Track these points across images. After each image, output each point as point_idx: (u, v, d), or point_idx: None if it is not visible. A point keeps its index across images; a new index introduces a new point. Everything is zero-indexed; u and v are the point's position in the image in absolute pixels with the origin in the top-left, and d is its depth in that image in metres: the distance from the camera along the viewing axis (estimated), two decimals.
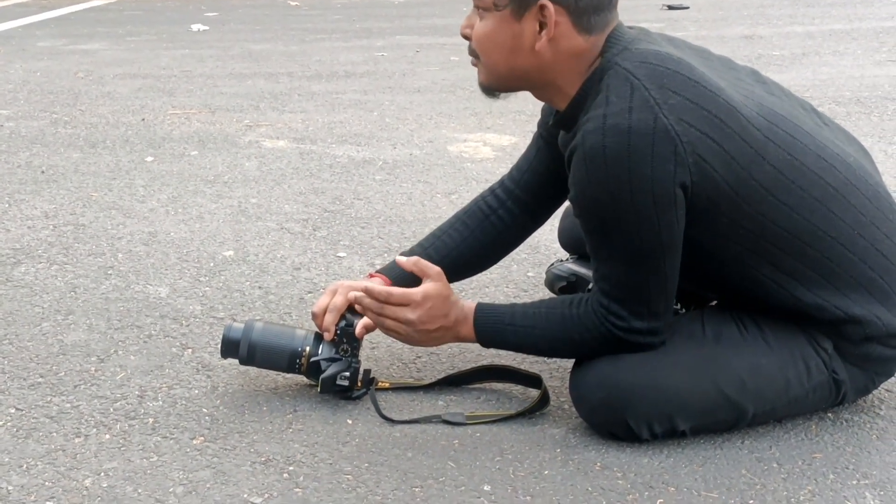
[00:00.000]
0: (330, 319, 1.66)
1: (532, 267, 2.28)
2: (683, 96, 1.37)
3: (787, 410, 1.55)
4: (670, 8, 7.22)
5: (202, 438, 1.57)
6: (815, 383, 1.52)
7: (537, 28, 1.45)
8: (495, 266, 2.25)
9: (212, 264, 2.32)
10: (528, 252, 2.31)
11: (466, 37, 1.54)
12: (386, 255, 2.36)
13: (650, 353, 1.49)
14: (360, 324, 1.65)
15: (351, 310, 1.69)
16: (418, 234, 2.47)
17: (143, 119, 3.83)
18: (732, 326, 1.52)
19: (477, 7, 1.50)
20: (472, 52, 1.54)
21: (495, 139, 3.43)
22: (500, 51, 1.49)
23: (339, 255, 2.38)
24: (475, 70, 1.56)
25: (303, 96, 4.23)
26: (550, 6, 1.43)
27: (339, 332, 1.66)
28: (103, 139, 3.52)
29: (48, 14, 7.55)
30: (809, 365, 1.51)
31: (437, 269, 1.61)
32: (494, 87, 1.56)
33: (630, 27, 1.52)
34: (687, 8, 7.20)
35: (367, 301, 1.61)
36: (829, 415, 1.61)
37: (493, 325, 1.57)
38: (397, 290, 1.61)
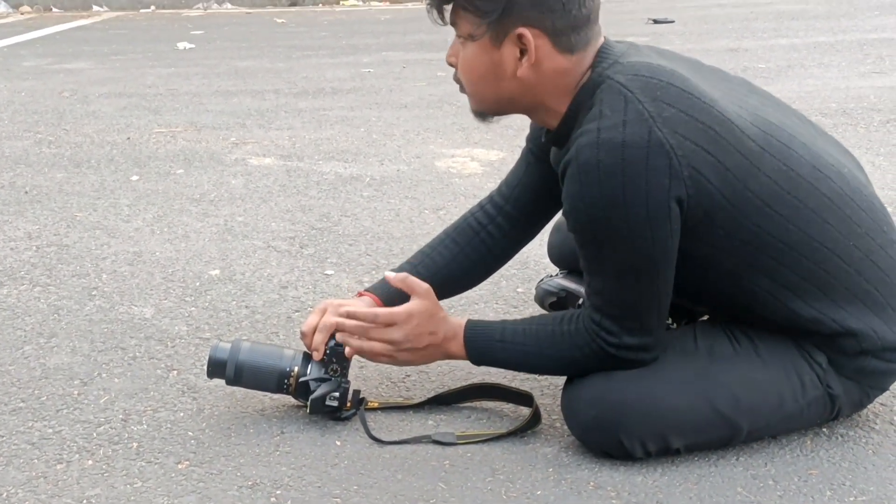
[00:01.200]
0: (319, 339, 1.63)
1: (521, 283, 2.26)
2: (677, 108, 1.36)
3: (782, 426, 1.53)
4: (655, 22, 7.24)
5: (187, 462, 1.54)
6: (809, 398, 1.50)
7: (518, 54, 1.44)
8: (484, 282, 2.23)
9: (197, 284, 2.29)
10: (517, 268, 2.29)
11: (452, 65, 1.52)
12: (374, 272, 2.33)
13: (642, 370, 1.46)
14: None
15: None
16: (406, 250, 2.44)
17: (129, 138, 3.80)
18: (725, 341, 1.50)
19: (458, 36, 1.48)
20: (458, 81, 1.53)
21: (483, 154, 3.41)
22: (483, 79, 1.48)
23: (326, 272, 2.35)
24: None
25: (289, 113, 4.21)
26: (527, 32, 1.41)
27: (328, 351, 1.63)
28: (88, 158, 3.49)
29: (33, 34, 7.52)
30: (804, 380, 1.49)
31: (425, 286, 1.59)
32: (485, 112, 1.55)
33: (618, 41, 1.51)
34: (672, 22, 7.22)
35: (351, 324, 1.59)
36: (824, 430, 1.59)
37: (483, 343, 1.55)
38: (382, 311, 1.58)
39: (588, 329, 1.46)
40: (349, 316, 1.59)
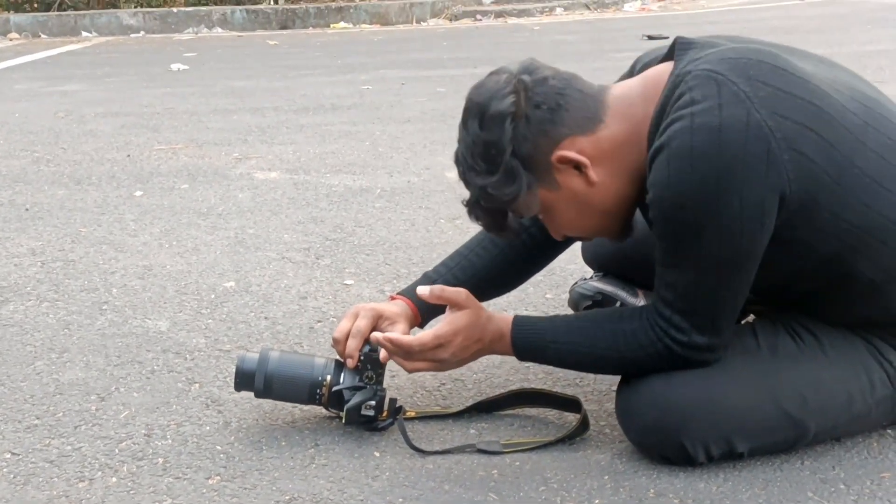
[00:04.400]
0: (353, 345, 1.55)
1: (550, 289, 2.18)
2: (774, 86, 1.28)
3: (849, 428, 1.46)
4: (650, 38, 7.23)
5: (218, 478, 1.45)
6: (878, 398, 1.42)
7: (576, 172, 1.36)
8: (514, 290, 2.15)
9: (213, 296, 2.20)
10: (543, 274, 2.18)
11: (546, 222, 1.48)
12: (395, 281, 2.25)
13: (705, 370, 1.38)
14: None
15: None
16: (426, 259, 2.36)
17: (129, 155, 3.71)
18: (787, 338, 1.42)
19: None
20: (569, 237, 1.53)
21: None
22: (583, 218, 1.42)
23: (346, 282, 2.27)
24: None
25: (291, 129, 4.13)
26: (560, 154, 1.34)
27: (362, 357, 1.55)
28: (88, 176, 3.40)
29: (23, 59, 7.43)
30: (872, 378, 1.41)
31: (463, 293, 1.50)
32: (624, 231, 1.47)
33: (686, 40, 1.40)
34: (667, 38, 7.21)
35: (392, 348, 1.50)
36: (889, 431, 1.51)
37: (533, 343, 1.47)
38: (426, 338, 1.48)
39: (654, 326, 1.38)
40: (390, 342, 1.50)
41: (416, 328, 1.63)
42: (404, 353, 1.48)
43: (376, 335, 1.50)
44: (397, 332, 1.55)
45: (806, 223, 1.31)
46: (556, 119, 1.35)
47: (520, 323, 1.48)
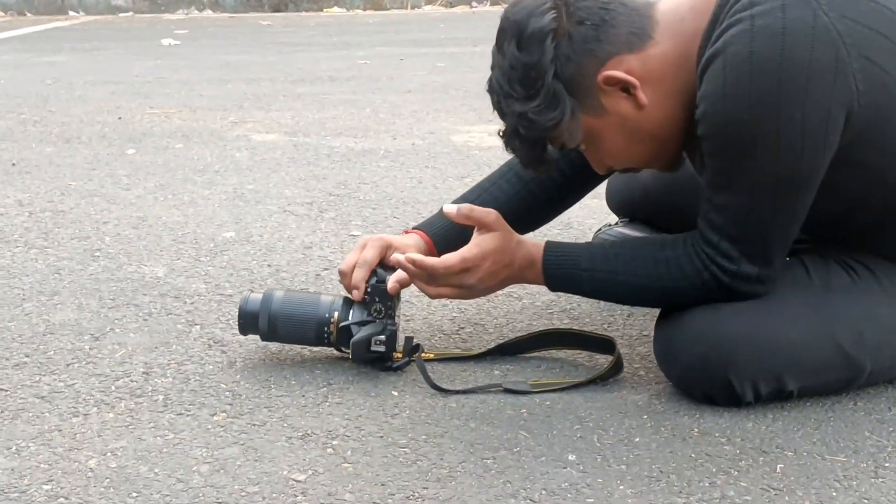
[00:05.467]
0: (360, 275, 1.43)
1: None
2: None
3: None
4: None
5: (224, 414, 1.33)
6: None
7: (623, 95, 1.25)
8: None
9: (212, 245, 2.09)
10: (559, 228, 2.11)
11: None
12: None
13: (755, 302, 1.28)
14: (393, 279, 1.42)
15: (382, 264, 1.47)
16: None
17: (120, 118, 3.58)
18: (841, 272, 1.32)
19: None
20: (611, 168, 1.40)
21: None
22: (631, 144, 1.30)
23: (352, 234, 2.15)
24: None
25: (288, 97, 4.01)
26: (606, 74, 1.23)
27: (369, 289, 1.43)
28: (78, 135, 3.27)
29: (9, 33, 7.27)
30: None
31: (493, 214, 1.38)
32: (673, 159, 1.36)
33: None
34: None
35: (415, 270, 1.38)
36: None
37: (566, 271, 1.36)
38: (452, 261, 1.36)
39: (700, 253, 1.27)
40: (413, 263, 1.38)
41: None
42: (428, 275, 1.37)
43: (397, 256, 1.39)
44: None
45: (874, 143, 1.21)
46: (602, 36, 1.24)
47: (552, 249, 1.37)
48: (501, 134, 1.33)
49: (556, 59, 1.24)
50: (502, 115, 1.31)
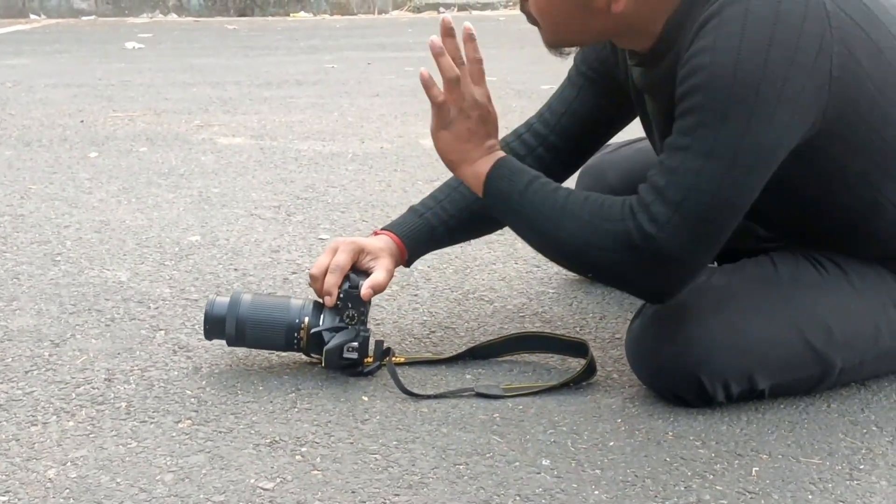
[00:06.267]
0: (332, 281, 1.41)
1: None
2: None
3: (875, 367, 1.36)
4: None
5: (189, 421, 1.30)
6: None
7: None
8: (501, 244, 2.04)
9: (177, 249, 2.04)
10: None
11: None
12: None
13: (724, 300, 1.27)
14: (366, 284, 1.40)
15: (355, 270, 1.44)
16: None
17: (82, 121, 3.52)
18: (809, 267, 1.31)
19: None
20: (527, 13, 1.32)
21: None
22: (568, 18, 1.27)
23: (320, 237, 2.12)
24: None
25: (255, 101, 3.97)
26: None
27: (342, 295, 1.41)
28: (39, 138, 3.20)
29: None
30: None
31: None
32: (562, 46, 1.34)
33: None
34: None
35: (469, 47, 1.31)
36: None
37: (506, 184, 1.30)
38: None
39: (632, 204, 1.20)
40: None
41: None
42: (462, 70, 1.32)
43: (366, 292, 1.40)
44: (381, 269, 1.44)
45: (839, 133, 1.20)
46: None
47: (508, 160, 1.33)
48: None
49: None
50: None
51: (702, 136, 1.16)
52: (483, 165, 1.33)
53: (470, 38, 1.32)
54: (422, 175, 2.66)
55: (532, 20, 1.32)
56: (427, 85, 1.31)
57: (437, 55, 1.30)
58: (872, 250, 1.32)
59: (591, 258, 1.24)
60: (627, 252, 1.20)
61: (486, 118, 1.34)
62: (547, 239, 1.29)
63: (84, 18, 8.85)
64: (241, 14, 9.14)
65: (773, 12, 1.12)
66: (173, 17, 9.05)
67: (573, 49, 1.38)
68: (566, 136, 1.53)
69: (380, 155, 2.93)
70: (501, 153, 1.35)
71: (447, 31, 1.31)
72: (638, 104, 1.42)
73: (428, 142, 3.12)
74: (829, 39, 1.15)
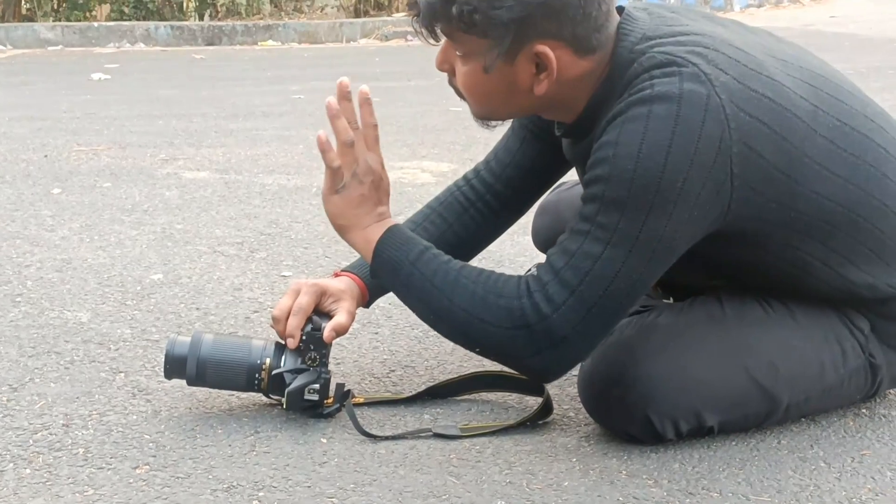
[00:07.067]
0: (294, 323, 1.42)
1: None
2: (730, 76, 1.22)
3: (821, 402, 1.39)
4: None
5: (147, 467, 1.30)
6: (850, 369, 1.36)
7: (534, 70, 1.26)
8: None
9: (139, 288, 2.04)
10: (492, 264, 2.11)
11: (445, 71, 1.34)
12: None
13: (670, 338, 1.31)
14: (329, 327, 1.42)
15: (317, 312, 1.46)
16: None
17: (46, 156, 3.50)
18: (755, 305, 1.35)
19: (454, 48, 1.29)
20: (455, 87, 1.35)
21: (433, 166, 3.25)
22: (492, 97, 1.31)
23: (283, 274, 2.13)
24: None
25: (220, 133, 3.97)
26: (546, 49, 1.24)
27: (304, 337, 1.42)
28: (1, 174, 3.18)
29: None
30: (844, 347, 1.35)
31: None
32: (490, 120, 1.38)
33: (634, 6, 1.35)
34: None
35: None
36: (864, 410, 1.45)
37: (397, 253, 1.33)
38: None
39: (528, 282, 1.24)
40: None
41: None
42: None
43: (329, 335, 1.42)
44: (343, 311, 1.45)
45: (753, 215, 1.26)
46: (575, 22, 1.24)
47: (400, 228, 1.37)
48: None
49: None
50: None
51: (601, 225, 1.21)
52: (374, 232, 1.35)
53: (366, 101, 1.35)
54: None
55: (459, 94, 1.36)
56: (324, 149, 1.35)
57: (332, 117, 1.34)
58: (813, 297, 1.36)
59: (480, 333, 1.28)
60: (520, 330, 1.24)
61: (379, 184, 1.37)
62: (436, 311, 1.31)
63: (50, 49, 8.82)
64: (209, 43, 9.15)
65: (674, 115, 1.18)
66: (141, 46, 9.03)
67: (499, 122, 1.41)
68: (511, 185, 1.57)
69: None
70: (392, 221, 1.38)
71: (343, 94, 1.35)
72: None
73: (392, 175, 3.13)
74: (727, 140, 1.20)
